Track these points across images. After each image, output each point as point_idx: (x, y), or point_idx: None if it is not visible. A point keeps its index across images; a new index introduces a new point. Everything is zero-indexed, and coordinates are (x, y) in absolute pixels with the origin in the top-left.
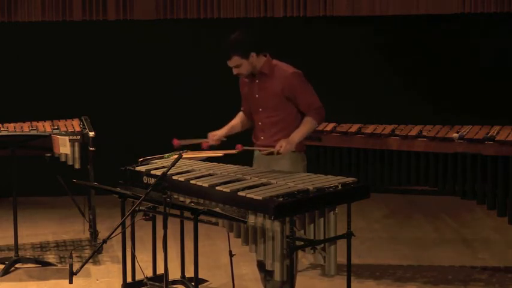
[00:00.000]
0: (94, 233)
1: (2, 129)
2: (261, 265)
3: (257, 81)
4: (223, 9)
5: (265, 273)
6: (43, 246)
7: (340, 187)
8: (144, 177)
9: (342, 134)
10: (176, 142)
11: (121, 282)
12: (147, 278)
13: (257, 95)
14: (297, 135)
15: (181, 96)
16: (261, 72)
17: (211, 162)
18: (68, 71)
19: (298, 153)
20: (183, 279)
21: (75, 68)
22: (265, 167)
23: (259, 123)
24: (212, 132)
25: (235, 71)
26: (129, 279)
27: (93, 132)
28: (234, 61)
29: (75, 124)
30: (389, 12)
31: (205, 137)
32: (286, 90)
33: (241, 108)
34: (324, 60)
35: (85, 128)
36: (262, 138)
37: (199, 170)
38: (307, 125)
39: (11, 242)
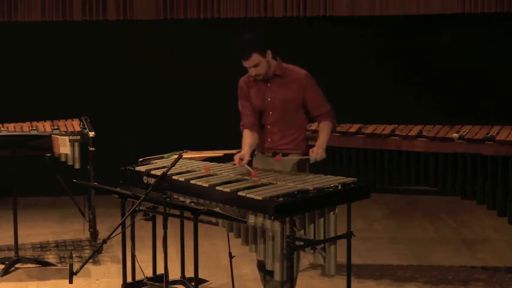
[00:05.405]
0: (94, 233)
1: (2, 129)
2: (261, 265)
3: (269, 84)
4: (223, 9)
5: (265, 273)
6: (43, 246)
7: (340, 187)
8: (144, 177)
9: (342, 134)
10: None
11: (121, 282)
12: (147, 278)
13: (269, 99)
14: (323, 140)
15: (181, 96)
16: (274, 74)
17: (211, 162)
18: (68, 71)
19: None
20: (183, 279)
21: (75, 68)
22: (265, 167)
23: (268, 126)
24: (238, 154)
25: (253, 71)
26: (129, 279)
27: (93, 132)
28: (253, 59)
29: (75, 124)
30: (389, 12)
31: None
32: (301, 91)
33: (242, 124)
34: (323, 60)
35: (85, 128)
36: (269, 140)
37: (199, 170)
38: (328, 129)
39: (11, 242)
